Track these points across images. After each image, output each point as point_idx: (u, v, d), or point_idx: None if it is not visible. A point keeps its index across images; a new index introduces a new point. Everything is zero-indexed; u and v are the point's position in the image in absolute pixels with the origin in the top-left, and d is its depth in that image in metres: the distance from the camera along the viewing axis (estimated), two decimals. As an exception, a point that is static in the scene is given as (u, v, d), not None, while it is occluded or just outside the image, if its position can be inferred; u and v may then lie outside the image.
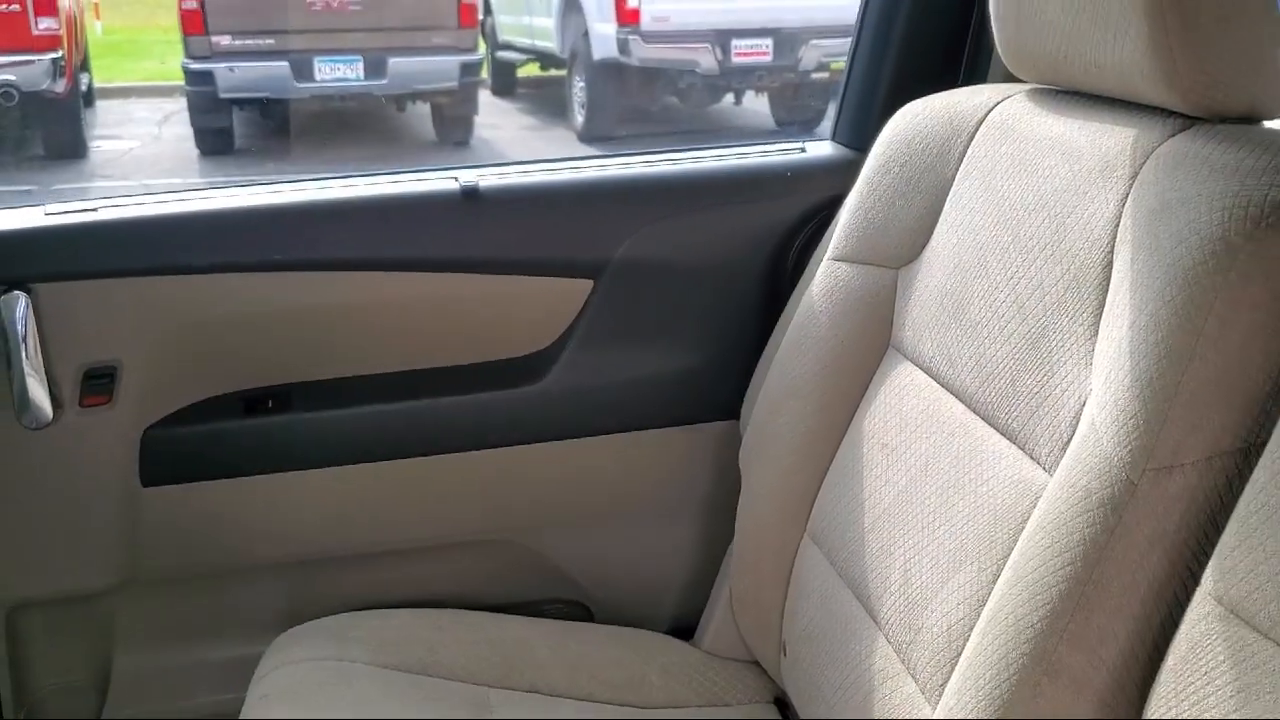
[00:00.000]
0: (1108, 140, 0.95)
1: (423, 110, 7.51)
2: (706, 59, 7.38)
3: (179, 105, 7.31)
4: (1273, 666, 0.69)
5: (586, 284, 1.40)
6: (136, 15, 10.32)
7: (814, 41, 7.24)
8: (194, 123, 7.01)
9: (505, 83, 9.00)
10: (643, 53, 7.36)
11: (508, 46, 8.90)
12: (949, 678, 0.93)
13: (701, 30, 7.33)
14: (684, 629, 1.45)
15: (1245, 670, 0.71)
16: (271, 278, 1.31)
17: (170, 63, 7.85)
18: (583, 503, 1.48)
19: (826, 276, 1.27)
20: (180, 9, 6.66)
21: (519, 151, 7.39)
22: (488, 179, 1.38)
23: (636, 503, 1.49)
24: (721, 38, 7.30)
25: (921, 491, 1.07)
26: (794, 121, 7.57)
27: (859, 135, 1.42)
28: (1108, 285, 0.89)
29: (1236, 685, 0.71)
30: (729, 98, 7.95)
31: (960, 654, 0.92)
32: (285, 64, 6.85)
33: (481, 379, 1.43)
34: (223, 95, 6.84)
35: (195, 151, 6.99)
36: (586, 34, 7.52)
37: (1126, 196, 0.90)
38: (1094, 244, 0.92)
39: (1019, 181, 1.04)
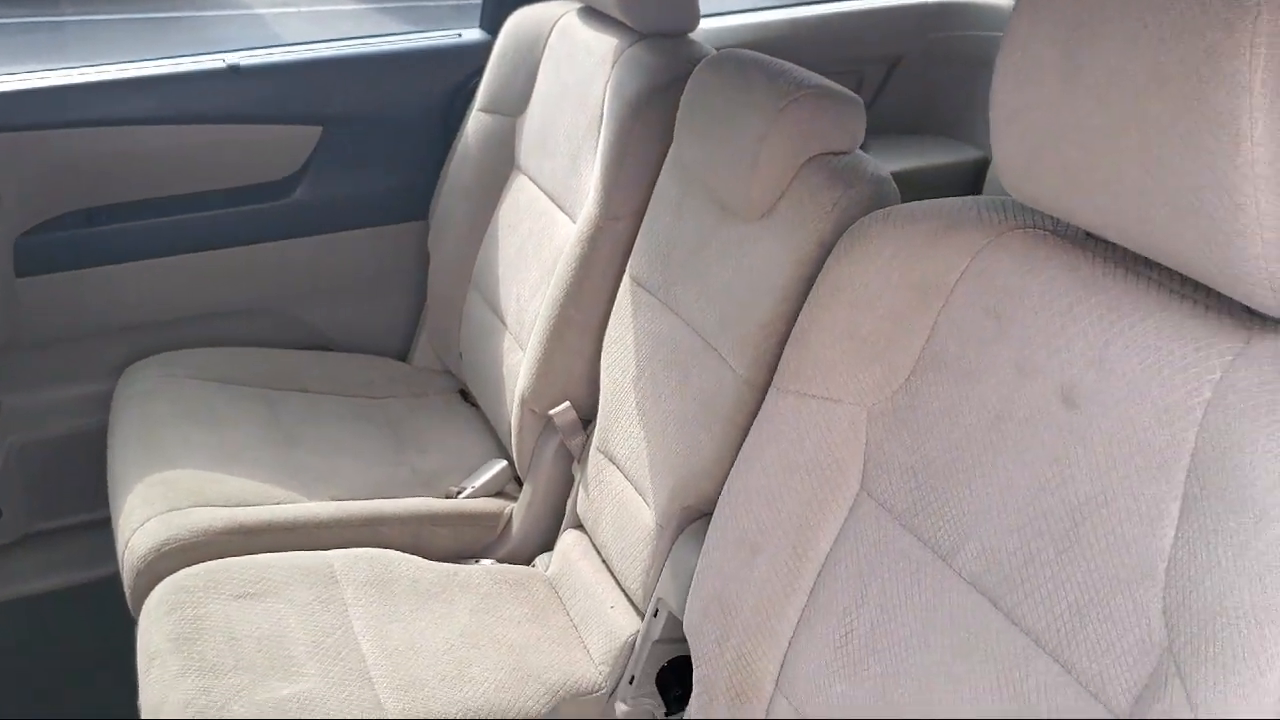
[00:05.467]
0: (605, 46, 1.74)
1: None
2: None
3: None
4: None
5: (317, 129, 2.09)
6: None
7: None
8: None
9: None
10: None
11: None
12: (532, 334, 1.75)
13: None
14: (401, 355, 2.23)
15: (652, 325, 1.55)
16: (101, 131, 1.93)
17: None
18: (326, 279, 2.20)
19: (475, 121, 2.02)
20: None
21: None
22: (245, 59, 2.03)
23: (363, 278, 2.22)
24: None
25: (528, 242, 1.86)
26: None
27: (493, 26, 2.14)
28: (601, 123, 1.69)
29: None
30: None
31: (537, 324, 1.74)
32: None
33: (249, 196, 2.10)
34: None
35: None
36: None
37: (609, 79, 1.69)
38: (596, 102, 1.71)
39: (569, 66, 1.82)
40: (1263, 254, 0.77)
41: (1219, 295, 0.86)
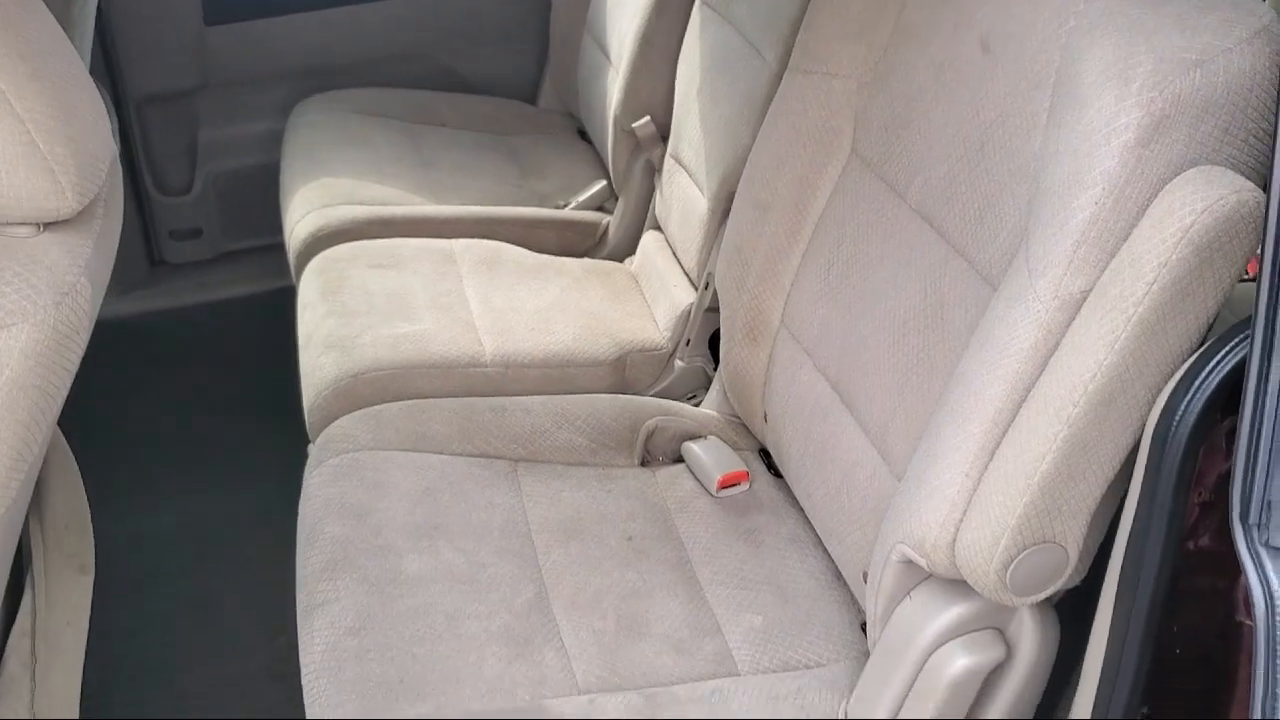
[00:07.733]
0: None
1: None
2: None
3: None
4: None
5: None
6: None
7: None
8: None
9: None
10: None
11: None
12: (621, 61, 1.99)
13: None
14: (530, 98, 2.51)
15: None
16: None
17: None
18: (463, 28, 2.45)
19: None
20: None
21: None
22: None
23: (494, 26, 2.46)
24: None
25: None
26: None
27: None
28: None
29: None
30: None
31: (624, 50, 1.97)
32: None
33: None
34: None
35: None
36: None
37: None
38: None
39: None
40: None
41: None
